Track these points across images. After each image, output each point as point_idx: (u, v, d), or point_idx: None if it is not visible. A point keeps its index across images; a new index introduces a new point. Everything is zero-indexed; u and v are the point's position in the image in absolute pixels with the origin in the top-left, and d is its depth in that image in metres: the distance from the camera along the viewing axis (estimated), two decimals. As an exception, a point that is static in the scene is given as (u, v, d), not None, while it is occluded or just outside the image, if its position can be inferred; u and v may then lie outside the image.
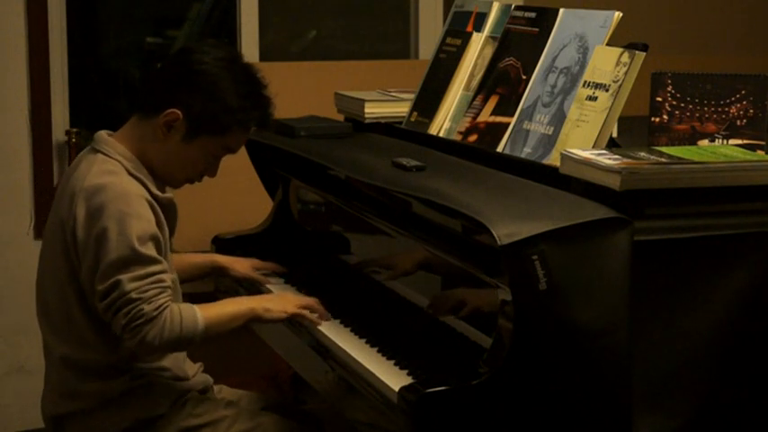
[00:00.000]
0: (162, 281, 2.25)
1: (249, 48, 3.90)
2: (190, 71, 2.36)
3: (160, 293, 2.24)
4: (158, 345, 2.23)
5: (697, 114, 2.31)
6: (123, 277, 2.21)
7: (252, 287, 2.78)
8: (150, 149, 2.37)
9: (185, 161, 2.39)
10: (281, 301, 2.44)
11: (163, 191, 2.40)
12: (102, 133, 2.41)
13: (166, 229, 2.36)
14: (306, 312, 2.41)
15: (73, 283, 2.33)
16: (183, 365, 2.49)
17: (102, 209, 2.25)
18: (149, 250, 2.25)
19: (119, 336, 2.25)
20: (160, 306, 2.23)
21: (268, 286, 2.74)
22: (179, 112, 2.33)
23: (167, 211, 2.38)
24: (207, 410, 2.45)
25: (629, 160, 2.02)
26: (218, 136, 2.37)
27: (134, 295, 2.21)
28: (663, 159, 2.05)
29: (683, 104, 2.31)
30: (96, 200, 2.26)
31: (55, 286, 2.37)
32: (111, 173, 2.31)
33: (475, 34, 2.69)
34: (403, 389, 1.98)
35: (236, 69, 2.39)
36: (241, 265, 2.76)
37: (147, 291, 2.22)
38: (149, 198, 2.32)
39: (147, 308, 2.21)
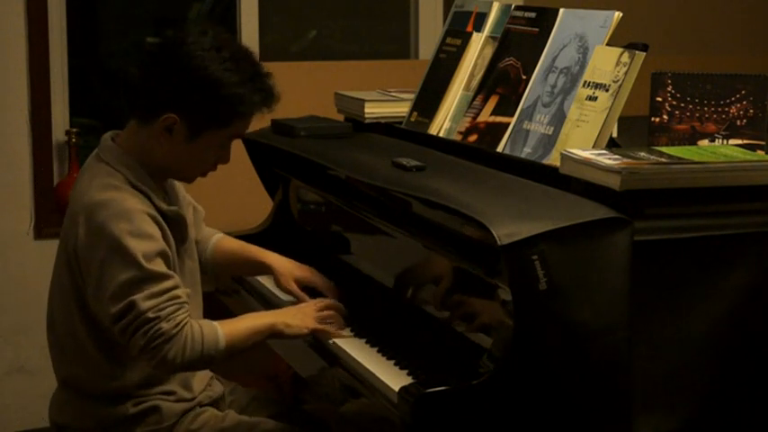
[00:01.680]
0: (177, 297, 2.19)
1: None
2: (179, 70, 2.25)
3: (177, 310, 2.18)
4: (180, 363, 2.18)
5: (697, 114, 2.31)
6: (137, 297, 2.15)
7: (254, 290, 2.77)
8: (156, 154, 2.30)
9: (194, 159, 2.32)
10: (300, 315, 2.37)
11: (169, 203, 2.36)
12: (107, 138, 2.35)
13: (173, 242, 2.30)
14: (327, 327, 2.36)
15: (76, 299, 2.29)
16: (192, 382, 2.43)
17: (104, 228, 2.19)
18: (159, 266, 2.19)
19: (137, 357, 2.20)
20: (179, 323, 2.17)
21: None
22: (176, 116, 2.25)
23: (174, 224, 2.32)
24: (205, 424, 2.41)
25: (629, 160, 2.02)
26: (221, 129, 2.29)
27: (151, 314, 2.15)
28: (663, 159, 2.05)
29: (683, 104, 2.31)
30: (97, 218, 2.20)
31: (60, 301, 2.34)
32: (113, 187, 2.25)
33: (475, 34, 2.69)
34: (403, 389, 1.97)
35: (225, 57, 2.26)
36: (285, 278, 2.60)
37: (164, 308, 2.16)
38: (153, 212, 2.25)
39: (166, 326, 2.15)
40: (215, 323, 2.25)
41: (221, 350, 2.22)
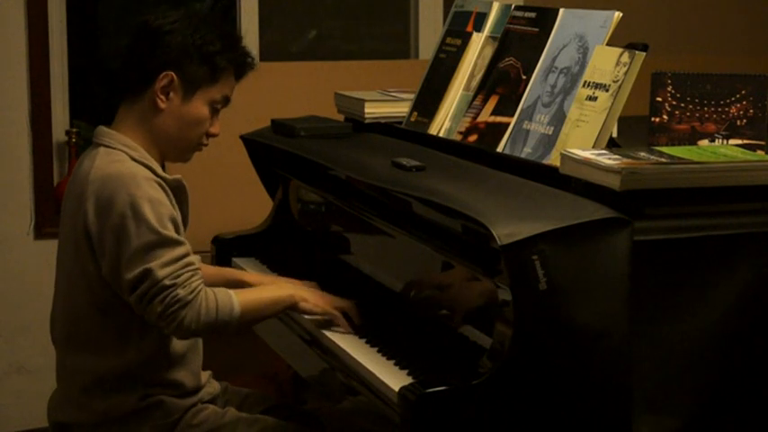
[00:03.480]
0: (192, 264, 2.23)
1: (249, 48, 3.90)
2: (164, 33, 2.35)
3: (192, 276, 2.22)
4: (195, 329, 2.22)
5: (697, 114, 2.31)
6: (153, 265, 2.18)
7: None
8: (154, 125, 2.35)
9: (192, 121, 2.37)
10: (320, 295, 2.43)
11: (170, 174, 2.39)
12: (102, 127, 2.39)
13: (178, 211, 2.33)
14: (339, 315, 2.40)
15: (83, 283, 2.30)
16: (200, 376, 2.46)
17: (114, 197, 2.22)
18: (171, 232, 2.23)
19: (155, 324, 2.23)
20: (195, 289, 2.21)
21: None
22: (172, 73, 2.32)
23: (177, 193, 2.35)
24: (206, 420, 2.42)
25: (629, 160, 2.02)
26: (213, 84, 2.37)
27: (167, 282, 2.19)
28: (663, 159, 2.05)
29: (683, 104, 2.31)
30: (105, 190, 2.24)
31: (66, 291, 2.35)
32: (116, 161, 2.29)
33: (475, 34, 2.69)
34: (403, 389, 1.98)
35: (201, 19, 2.40)
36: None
37: (180, 275, 2.20)
38: (159, 180, 2.29)
39: (182, 292, 2.19)
40: (230, 291, 2.29)
41: (236, 316, 2.26)
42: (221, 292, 2.27)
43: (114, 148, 2.32)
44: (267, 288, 2.45)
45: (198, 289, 2.22)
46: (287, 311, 2.44)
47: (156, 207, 2.23)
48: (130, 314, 2.28)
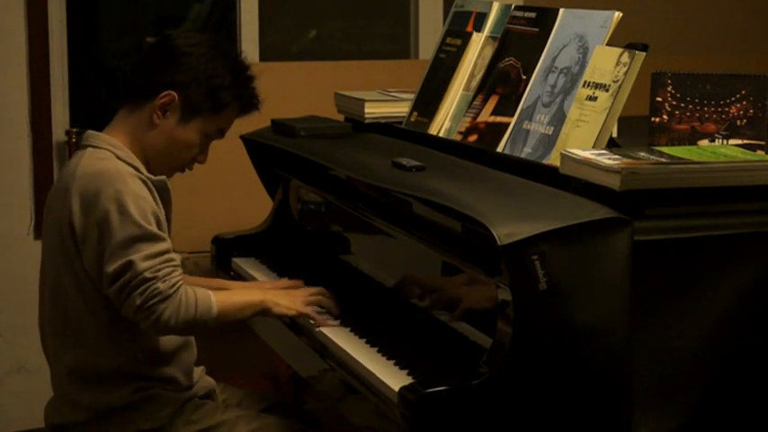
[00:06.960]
0: (173, 259, 2.24)
1: (249, 48, 3.90)
2: (180, 53, 2.37)
3: (173, 272, 2.23)
4: (173, 324, 2.22)
5: (697, 114, 2.31)
6: (135, 257, 2.19)
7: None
8: (145, 137, 2.37)
9: (181, 144, 2.39)
10: (290, 297, 2.43)
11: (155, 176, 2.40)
12: (90, 131, 2.41)
13: (162, 209, 2.34)
14: (312, 312, 2.40)
15: (70, 277, 2.30)
16: (192, 373, 2.47)
17: (99, 193, 2.24)
18: (153, 227, 2.24)
19: (132, 317, 2.23)
20: (175, 284, 2.22)
21: None
22: (174, 93, 2.34)
23: (161, 194, 2.36)
24: (205, 416, 2.43)
25: (629, 160, 2.02)
26: (213, 115, 2.39)
27: (148, 275, 2.19)
28: (663, 159, 2.05)
29: (683, 104, 2.31)
30: (91, 187, 2.25)
31: (54, 287, 2.36)
32: (102, 159, 2.31)
33: (475, 34, 2.69)
34: (403, 389, 1.98)
35: (222, 48, 2.43)
36: None
37: (160, 269, 2.21)
38: (143, 178, 2.31)
39: (162, 286, 2.19)
40: (209, 291, 2.30)
41: (213, 317, 2.27)
42: (201, 290, 2.28)
43: (100, 148, 2.34)
44: (239, 292, 2.45)
45: (178, 285, 2.23)
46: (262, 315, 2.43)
47: (140, 202, 2.24)
48: (119, 310, 2.27)
